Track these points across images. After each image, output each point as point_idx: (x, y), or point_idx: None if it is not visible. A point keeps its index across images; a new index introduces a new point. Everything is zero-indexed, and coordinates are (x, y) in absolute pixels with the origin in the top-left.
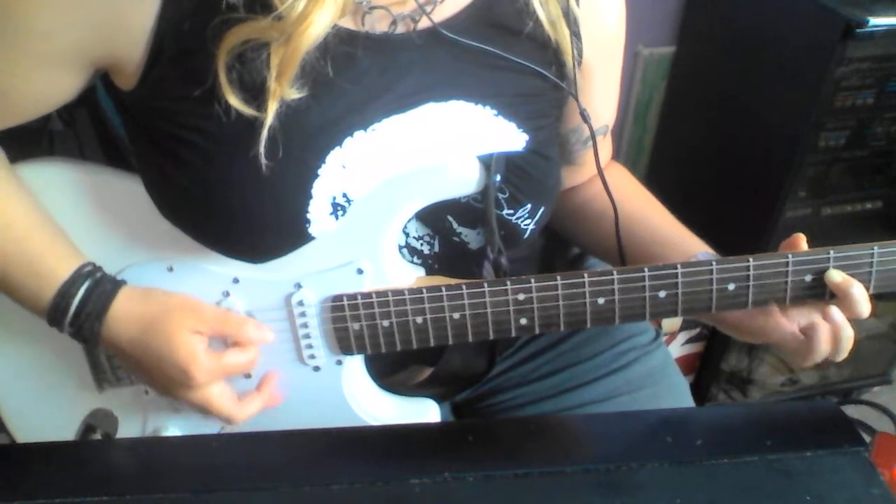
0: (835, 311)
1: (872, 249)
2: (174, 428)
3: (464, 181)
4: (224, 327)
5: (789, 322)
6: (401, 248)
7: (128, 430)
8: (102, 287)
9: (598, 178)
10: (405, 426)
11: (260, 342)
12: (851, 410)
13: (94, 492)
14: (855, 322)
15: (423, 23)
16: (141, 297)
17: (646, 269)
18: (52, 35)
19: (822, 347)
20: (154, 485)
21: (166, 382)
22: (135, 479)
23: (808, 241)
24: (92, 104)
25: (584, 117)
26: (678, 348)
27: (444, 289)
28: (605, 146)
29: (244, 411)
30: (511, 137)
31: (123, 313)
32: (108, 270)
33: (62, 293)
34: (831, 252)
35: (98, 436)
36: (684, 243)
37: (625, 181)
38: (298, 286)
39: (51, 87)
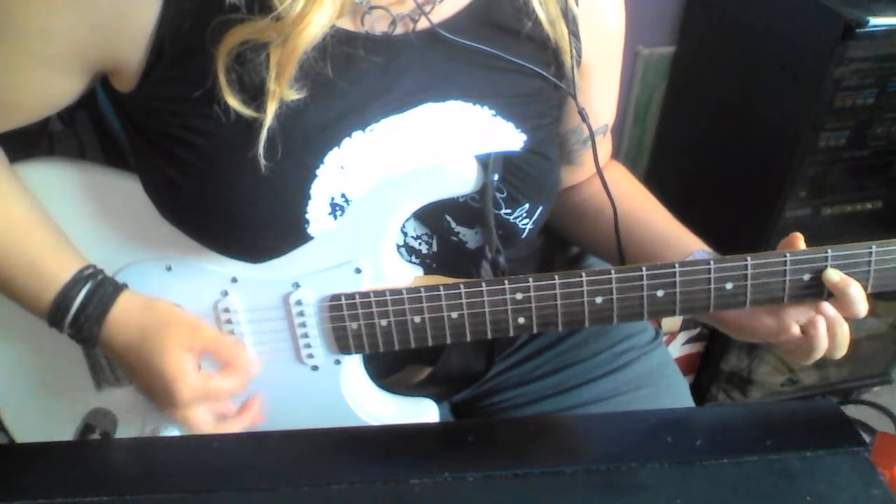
0: (828, 307)
1: (870, 248)
2: (173, 427)
3: (461, 180)
4: (218, 349)
5: (788, 321)
6: (399, 247)
7: (126, 429)
8: (103, 290)
9: (597, 176)
10: (405, 426)
11: (248, 372)
12: (851, 410)
13: (94, 492)
14: (855, 322)
15: (422, 23)
16: (142, 305)
17: (644, 269)
18: (53, 37)
19: (822, 343)
20: (154, 485)
21: (152, 392)
22: (135, 479)
23: (807, 241)
24: (92, 105)
25: (583, 117)
26: (678, 348)
27: (441, 288)
28: (605, 145)
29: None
30: (509, 137)
31: (122, 319)
32: (107, 270)
33: (63, 294)
34: (829, 251)
35: (97, 435)
36: (683, 242)
37: (624, 180)
38: (297, 285)
39: (52, 89)
